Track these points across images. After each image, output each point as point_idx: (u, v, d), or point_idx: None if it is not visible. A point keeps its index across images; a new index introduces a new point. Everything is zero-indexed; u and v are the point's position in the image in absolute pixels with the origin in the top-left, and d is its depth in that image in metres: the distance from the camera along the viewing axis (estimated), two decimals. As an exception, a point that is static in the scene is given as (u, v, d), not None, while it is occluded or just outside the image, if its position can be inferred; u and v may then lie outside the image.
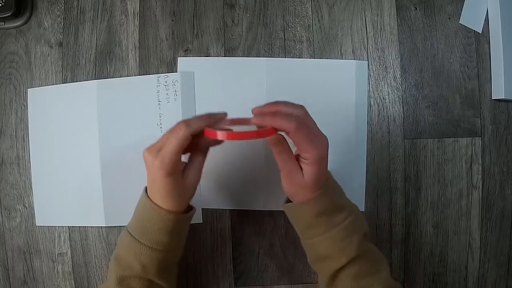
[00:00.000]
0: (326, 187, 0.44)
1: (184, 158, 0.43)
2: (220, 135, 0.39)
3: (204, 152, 0.44)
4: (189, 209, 0.47)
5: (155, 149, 0.41)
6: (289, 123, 0.39)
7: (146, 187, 0.47)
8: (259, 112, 0.43)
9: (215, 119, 0.42)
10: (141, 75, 0.58)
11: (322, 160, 0.42)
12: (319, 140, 0.42)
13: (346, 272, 0.44)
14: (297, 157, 0.43)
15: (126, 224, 0.47)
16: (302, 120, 0.41)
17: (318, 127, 0.43)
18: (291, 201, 0.46)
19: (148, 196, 0.44)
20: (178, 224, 0.45)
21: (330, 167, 0.48)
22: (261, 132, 0.40)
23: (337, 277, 0.44)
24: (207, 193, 0.51)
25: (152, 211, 0.44)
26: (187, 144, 0.40)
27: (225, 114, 0.44)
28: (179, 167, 0.42)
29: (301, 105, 0.43)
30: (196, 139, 0.42)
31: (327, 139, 0.43)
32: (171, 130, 0.41)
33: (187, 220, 0.47)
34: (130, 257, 0.45)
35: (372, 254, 0.46)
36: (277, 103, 0.43)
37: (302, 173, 0.42)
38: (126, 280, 0.45)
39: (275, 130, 0.40)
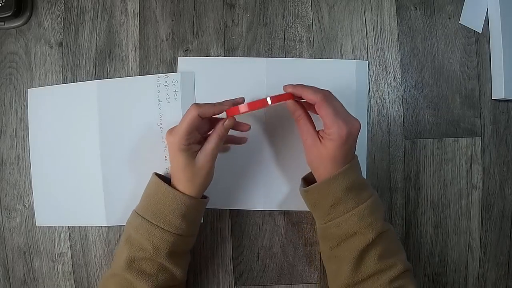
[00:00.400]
0: (354, 163, 0.46)
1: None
2: (242, 108, 0.45)
3: (217, 140, 0.46)
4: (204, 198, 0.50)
5: (172, 128, 0.47)
6: (315, 94, 0.44)
7: (155, 172, 0.50)
8: (290, 86, 0.48)
9: (232, 103, 0.47)
10: (141, 75, 0.58)
11: (342, 139, 0.43)
12: (343, 119, 0.44)
13: (372, 252, 0.45)
14: (321, 132, 0.46)
15: (134, 209, 0.49)
16: (328, 95, 0.45)
17: (346, 110, 0.45)
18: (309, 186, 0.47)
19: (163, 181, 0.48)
20: (191, 208, 0.47)
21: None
22: (280, 96, 0.46)
23: (363, 257, 0.45)
24: (207, 193, 0.51)
25: (167, 192, 0.47)
26: (196, 123, 0.45)
27: (243, 99, 0.48)
28: (192, 147, 0.46)
29: (328, 90, 0.46)
30: (212, 125, 0.48)
31: (357, 124, 0.45)
32: (187, 111, 0.45)
33: (200, 205, 0.48)
34: (143, 238, 0.46)
35: (393, 232, 0.48)
36: (303, 86, 0.47)
37: (322, 146, 0.45)
38: (137, 261, 0.46)
39: (293, 96, 0.46)
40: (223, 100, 0.47)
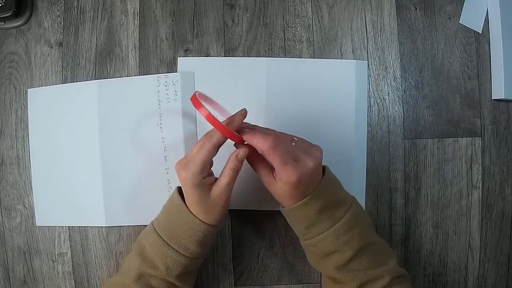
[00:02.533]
0: (320, 187, 0.44)
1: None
2: (202, 111, 0.42)
3: (232, 174, 0.44)
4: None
5: (183, 162, 0.44)
6: (263, 142, 0.41)
7: (178, 187, 0.48)
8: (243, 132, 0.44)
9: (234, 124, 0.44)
10: (141, 75, 0.58)
11: (292, 184, 0.42)
12: (292, 165, 0.41)
13: (353, 265, 0.44)
14: (275, 172, 0.43)
15: (152, 221, 0.49)
16: (276, 142, 0.41)
17: (300, 152, 0.43)
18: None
19: (185, 202, 0.46)
20: (207, 235, 0.46)
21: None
22: (230, 132, 0.42)
23: (343, 271, 0.44)
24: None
25: (186, 218, 0.45)
26: (212, 156, 0.43)
27: (244, 110, 0.46)
28: (206, 181, 0.44)
29: (278, 134, 0.44)
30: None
31: (308, 168, 0.42)
32: (198, 143, 0.43)
33: (215, 232, 0.48)
34: (156, 257, 0.46)
35: (378, 245, 0.47)
36: (253, 133, 0.43)
37: (278, 186, 0.43)
38: (147, 277, 0.46)
39: (243, 141, 0.43)
40: (227, 119, 0.45)
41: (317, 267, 0.49)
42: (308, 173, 0.42)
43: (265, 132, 0.44)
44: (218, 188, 0.44)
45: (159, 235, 0.46)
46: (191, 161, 0.43)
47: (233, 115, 0.45)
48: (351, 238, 0.44)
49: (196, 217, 0.45)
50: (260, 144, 0.41)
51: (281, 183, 0.42)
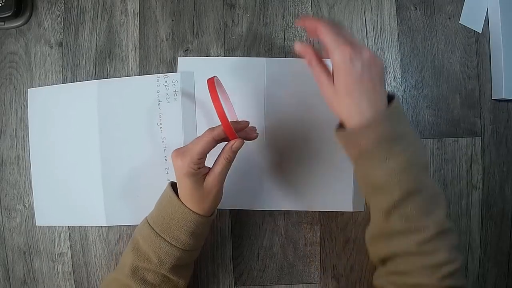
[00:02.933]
0: (391, 109, 0.41)
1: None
2: (214, 97, 0.42)
3: (225, 163, 0.44)
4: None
5: (181, 150, 0.44)
6: (317, 22, 0.41)
7: (171, 182, 0.49)
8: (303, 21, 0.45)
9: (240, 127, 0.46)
10: (141, 75, 0.58)
11: (346, 64, 0.39)
12: (345, 42, 0.39)
13: (400, 211, 0.40)
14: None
15: (146, 217, 0.49)
16: (333, 23, 0.41)
17: (352, 37, 0.41)
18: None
19: (176, 194, 0.46)
20: (200, 226, 0.46)
21: (329, 166, 0.48)
22: (230, 129, 0.43)
23: (390, 215, 0.40)
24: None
25: (177, 208, 0.46)
26: (211, 147, 0.43)
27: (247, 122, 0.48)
28: (201, 171, 0.44)
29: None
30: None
31: (365, 50, 0.40)
32: (199, 136, 0.44)
33: (207, 223, 0.48)
34: (149, 249, 0.46)
35: (429, 191, 0.42)
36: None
37: (335, 81, 0.41)
38: (141, 270, 0.46)
39: (235, 137, 0.44)
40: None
41: (368, 201, 0.44)
42: (364, 55, 0.40)
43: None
44: (211, 177, 0.44)
45: (152, 228, 0.46)
46: (188, 150, 0.43)
47: (241, 122, 0.47)
48: (402, 180, 0.40)
49: (188, 207, 0.45)
50: (314, 23, 0.41)
51: (335, 69, 0.40)
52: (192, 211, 0.45)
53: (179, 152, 0.44)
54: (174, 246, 0.46)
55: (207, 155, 0.44)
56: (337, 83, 0.41)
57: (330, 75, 0.42)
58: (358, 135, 0.41)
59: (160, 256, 0.45)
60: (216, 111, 0.42)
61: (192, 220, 0.46)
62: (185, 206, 0.45)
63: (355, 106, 0.40)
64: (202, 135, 0.44)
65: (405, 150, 0.40)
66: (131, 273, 0.46)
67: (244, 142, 0.45)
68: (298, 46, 0.44)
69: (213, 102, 0.42)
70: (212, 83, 0.44)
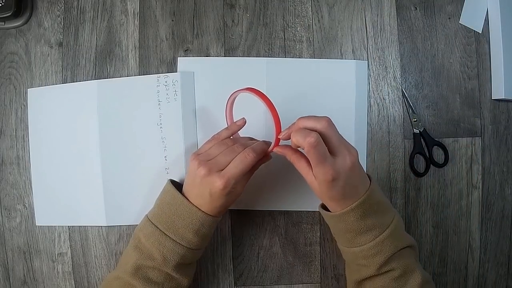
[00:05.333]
0: (363, 203, 0.44)
1: None
2: (269, 103, 0.45)
3: (253, 170, 0.46)
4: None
5: (214, 167, 0.44)
6: (303, 140, 0.41)
7: (170, 180, 0.50)
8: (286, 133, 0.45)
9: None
10: (141, 75, 0.58)
11: (328, 184, 0.42)
12: (329, 166, 0.41)
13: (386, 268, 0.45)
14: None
15: (147, 215, 0.49)
16: (315, 142, 0.41)
17: (340, 148, 0.43)
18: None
19: (181, 193, 0.47)
20: (206, 225, 0.46)
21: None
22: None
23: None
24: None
25: (183, 206, 0.46)
26: (250, 168, 0.45)
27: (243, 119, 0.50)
28: (237, 187, 0.45)
29: (324, 118, 0.43)
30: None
31: (346, 164, 0.42)
32: (240, 156, 0.45)
33: (213, 223, 0.48)
34: (152, 247, 0.46)
35: (410, 249, 0.47)
36: (300, 118, 0.45)
37: (318, 186, 0.43)
38: (144, 269, 0.46)
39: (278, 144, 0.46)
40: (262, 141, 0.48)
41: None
42: (345, 171, 0.42)
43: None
44: (239, 185, 0.46)
45: (155, 226, 0.46)
46: (229, 172, 0.44)
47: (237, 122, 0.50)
48: (367, 265, 0.45)
49: (194, 205, 0.46)
50: (301, 140, 0.42)
51: (317, 181, 0.43)
52: (198, 208, 0.46)
53: (213, 169, 0.44)
54: (179, 243, 0.46)
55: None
56: (320, 189, 0.43)
57: (312, 179, 0.44)
58: (348, 216, 0.44)
59: (164, 254, 0.45)
60: (275, 118, 0.44)
61: (198, 219, 0.46)
62: (191, 203, 0.46)
63: (341, 203, 0.44)
64: (244, 156, 0.44)
65: (392, 219, 0.46)
66: (133, 272, 0.46)
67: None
68: (277, 150, 0.46)
69: (271, 111, 0.44)
70: (259, 92, 0.46)
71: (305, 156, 0.44)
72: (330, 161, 0.42)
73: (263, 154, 0.46)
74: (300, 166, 0.44)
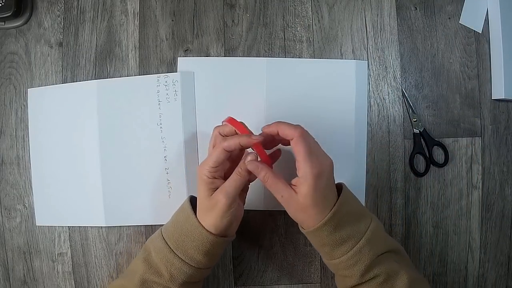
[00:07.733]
0: (333, 217, 0.43)
1: None
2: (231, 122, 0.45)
3: (237, 178, 0.45)
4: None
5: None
6: (294, 130, 0.43)
7: (190, 196, 0.49)
8: (265, 127, 0.46)
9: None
10: (141, 75, 0.58)
11: (315, 178, 0.42)
12: (316, 159, 0.42)
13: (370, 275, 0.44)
14: (293, 182, 0.44)
15: (162, 227, 0.49)
16: (305, 132, 0.43)
17: (320, 148, 0.45)
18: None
19: (194, 212, 0.46)
20: (215, 247, 0.46)
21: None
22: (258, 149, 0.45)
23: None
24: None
25: (194, 228, 0.45)
26: (224, 158, 0.44)
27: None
28: (215, 181, 0.45)
29: (299, 125, 0.44)
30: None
31: (328, 161, 0.44)
32: (236, 171, 0.45)
33: (224, 244, 0.47)
34: (161, 264, 0.45)
35: (394, 253, 0.47)
36: (278, 122, 0.45)
37: (298, 195, 0.43)
38: (150, 283, 0.46)
39: (269, 159, 0.45)
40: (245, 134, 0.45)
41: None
42: (327, 168, 0.43)
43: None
44: (219, 189, 0.45)
45: (165, 242, 0.46)
46: (206, 159, 0.45)
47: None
48: (350, 275, 0.44)
49: (205, 228, 0.45)
50: (291, 131, 0.43)
51: (302, 182, 0.42)
52: (209, 232, 0.44)
53: (203, 161, 0.46)
54: (187, 264, 0.45)
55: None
56: (302, 197, 0.43)
57: (290, 187, 0.44)
58: (322, 231, 0.44)
59: (172, 272, 0.45)
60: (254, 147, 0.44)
61: (208, 241, 0.45)
62: (202, 226, 0.45)
63: (319, 213, 0.43)
64: (239, 172, 0.45)
65: (347, 251, 0.44)
66: (139, 285, 0.45)
67: (256, 159, 0.45)
68: (250, 165, 0.44)
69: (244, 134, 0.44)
70: (232, 120, 0.46)
71: (280, 177, 0.44)
72: (315, 155, 0.43)
73: (236, 141, 0.44)
74: (276, 182, 0.44)
